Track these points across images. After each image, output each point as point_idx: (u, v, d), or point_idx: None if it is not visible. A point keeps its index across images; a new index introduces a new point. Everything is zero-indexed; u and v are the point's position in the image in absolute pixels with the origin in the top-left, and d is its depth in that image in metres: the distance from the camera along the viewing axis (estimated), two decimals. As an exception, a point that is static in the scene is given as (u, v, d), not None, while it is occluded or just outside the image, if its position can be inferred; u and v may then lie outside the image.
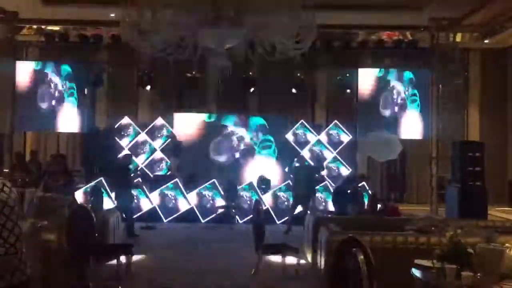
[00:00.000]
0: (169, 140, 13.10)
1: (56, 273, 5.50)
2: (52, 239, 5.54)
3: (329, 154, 13.07)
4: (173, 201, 11.44)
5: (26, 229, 4.17)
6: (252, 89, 13.41)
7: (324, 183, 11.99)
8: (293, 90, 13.45)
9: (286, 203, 11.50)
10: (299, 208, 10.52)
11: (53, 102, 13.19)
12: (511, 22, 11.78)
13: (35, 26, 13.56)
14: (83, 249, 5.61)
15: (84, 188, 11.21)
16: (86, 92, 13.41)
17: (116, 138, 13.10)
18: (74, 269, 5.78)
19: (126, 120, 13.27)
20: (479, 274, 3.66)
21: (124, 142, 13.10)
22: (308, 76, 13.77)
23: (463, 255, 3.80)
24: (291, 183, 11.38)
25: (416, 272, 4.01)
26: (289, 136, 13.20)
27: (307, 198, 10.57)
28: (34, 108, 13.04)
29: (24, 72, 13.04)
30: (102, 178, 11.26)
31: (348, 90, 13.56)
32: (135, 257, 7.04)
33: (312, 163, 12.48)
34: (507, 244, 3.77)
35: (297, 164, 11.14)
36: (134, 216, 10.08)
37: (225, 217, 11.24)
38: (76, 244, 5.54)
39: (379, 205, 9.19)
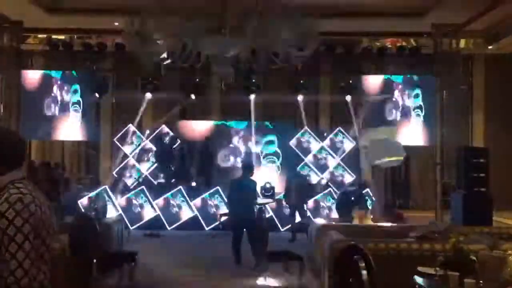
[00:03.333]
0: (180, 145, 13.07)
1: (59, 282, 5.51)
2: (55, 247, 5.53)
3: (333, 161, 13.05)
4: (177, 209, 11.45)
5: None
6: (255, 96, 13.44)
7: (328, 189, 11.97)
8: (297, 97, 13.47)
9: (289, 210, 11.50)
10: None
11: (58, 111, 13.26)
12: (514, 27, 11.76)
13: (40, 35, 13.66)
14: (87, 257, 5.62)
15: (88, 195, 11.24)
16: (90, 100, 13.48)
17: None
18: (77, 277, 5.79)
19: (130, 127, 13.32)
20: (481, 281, 3.64)
21: (128, 150, 13.15)
22: (312, 83, 13.78)
23: (466, 262, 3.78)
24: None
25: (419, 280, 3.99)
26: (293, 143, 13.20)
27: (300, 206, 10.64)
28: (39, 116, 13.11)
29: (29, 81, 13.13)
30: (102, 187, 11.27)
31: (352, 97, 13.54)
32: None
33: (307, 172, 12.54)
34: (510, 251, 3.75)
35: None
36: (138, 225, 9.96)
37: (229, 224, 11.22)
38: (79, 252, 5.55)
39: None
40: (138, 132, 13.37)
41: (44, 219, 2.06)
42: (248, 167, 8.25)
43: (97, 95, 13.30)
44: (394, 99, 13.30)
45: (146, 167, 13.06)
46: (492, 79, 14.22)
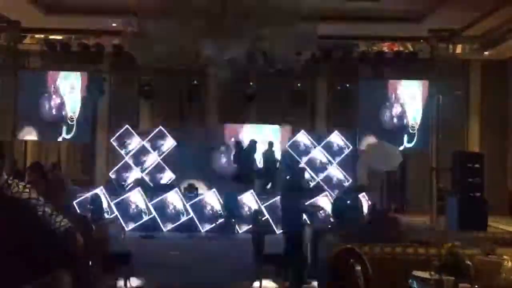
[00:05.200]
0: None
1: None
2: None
3: (329, 164, 13.06)
4: (173, 210, 11.42)
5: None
6: (252, 100, 13.44)
7: (324, 192, 11.97)
8: (293, 100, 13.49)
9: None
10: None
11: (54, 111, 13.24)
12: (511, 33, 11.82)
13: (37, 36, 13.64)
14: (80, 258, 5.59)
15: (83, 196, 11.20)
16: (87, 101, 13.45)
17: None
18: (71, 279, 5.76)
19: (126, 129, 13.29)
20: (476, 286, 3.66)
21: (124, 151, 13.11)
22: (309, 86, 13.81)
23: (461, 267, 3.80)
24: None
25: (414, 284, 4.00)
26: (289, 146, 13.20)
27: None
28: (36, 117, 13.08)
29: (26, 81, 13.10)
30: (98, 188, 11.24)
31: (348, 101, 13.58)
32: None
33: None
34: (505, 256, 3.77)
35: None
36: (134, 226, 9.86)
37: (225, 226, 11.22)
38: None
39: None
40: (134, 133, 13.34)
41: None
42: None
43: (93, 95, 13.28)
44: (390, 103, 13.35)
45: (142, 168, 13.02)
46: (488, 85, 14.30)
